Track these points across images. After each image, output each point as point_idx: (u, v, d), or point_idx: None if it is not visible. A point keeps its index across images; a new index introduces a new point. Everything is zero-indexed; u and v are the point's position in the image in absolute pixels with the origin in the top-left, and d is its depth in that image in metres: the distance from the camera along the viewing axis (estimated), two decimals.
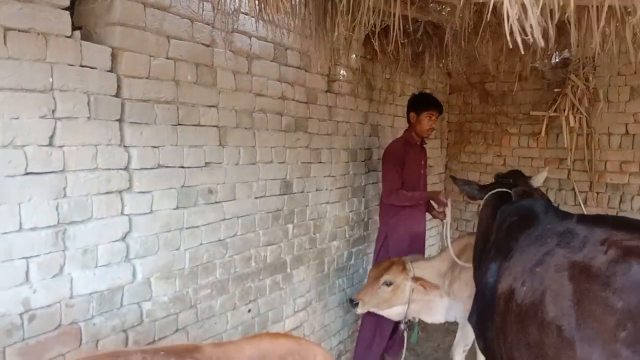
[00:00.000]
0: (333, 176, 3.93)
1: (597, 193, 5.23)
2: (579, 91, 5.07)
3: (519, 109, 5.74)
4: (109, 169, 2.27)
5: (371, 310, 3.65)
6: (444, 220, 3.95)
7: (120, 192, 2.32)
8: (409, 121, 4.11)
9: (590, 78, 5.07)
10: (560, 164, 5.45)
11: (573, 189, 5.36)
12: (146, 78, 2.40)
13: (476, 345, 3.68)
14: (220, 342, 1.73)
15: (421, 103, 4.02)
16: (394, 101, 4.81)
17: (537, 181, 2.91)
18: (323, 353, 1.93)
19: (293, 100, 3.37)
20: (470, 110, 6.14)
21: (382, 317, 3.92)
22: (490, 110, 5.96)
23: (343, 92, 3.96)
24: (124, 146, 2.33)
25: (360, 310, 3.60)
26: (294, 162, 3.44)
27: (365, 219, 4.48)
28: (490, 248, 2.39)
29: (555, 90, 5.27)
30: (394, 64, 4.30)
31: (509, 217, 2.33)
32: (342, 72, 3.88)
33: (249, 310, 3.13)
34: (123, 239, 2.35)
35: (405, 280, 3.58)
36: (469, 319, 2.49)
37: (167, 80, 2.50)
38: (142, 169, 2.40)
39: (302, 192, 3.55)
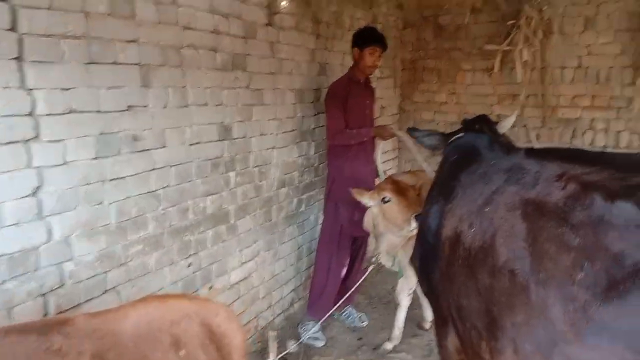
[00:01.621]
0: (279, 119, 3.67)
1: (550, 128, 5.16)
2: (533, 23, 4.90)
3: (473, 43, 5.54)
4: (10, 116, 1.97)
5: None
6: (401, 137, 3.76)
7: (26, 141, 2.04)
8: (353, 58, 3.88)
9: (545, 8, 4.90)
10: (513, 100, 5.34)
11: (525, 125, 5.28)
12: (48, 9, 2.06)
13: (399, 291, 3.63)
14: (97, 312, 1.48)
15: (364, 38, 3.79)
16: (343, 37, 4.52)
17: (504, 127, 2.72)
18: (225, 310, 1.74)
19: (228, 35, 3.06)
20: (424, 46, 5.90)
21: (334, 262, 3.80)
22: (444, 46, 5.75)
23: (286, 26, 3.65)
24: (27, 89, 2.02)
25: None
26: (233, 105, 3.16)
27: (316, 164, 4.28)
28: (430, 190, 2.23)
29: (509, 22, 5.08)
30: None
31: (450, 155, 2.16)
32: (283, 3, 3.55)
33: (189, 265, 2.93)
34: (34, 194, 2.08)
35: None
36: (411, 262, 2.35)
37: (74, 12, 2.16)
38: (50, 114, 2.10)
39: (243, 137, 3.29)
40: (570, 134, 5.05)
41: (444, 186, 2.08)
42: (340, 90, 3.72)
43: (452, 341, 2.05)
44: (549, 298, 1.49)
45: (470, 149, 2.08)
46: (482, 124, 2.75)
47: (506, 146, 2.01)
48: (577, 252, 1.50)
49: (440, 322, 2.13)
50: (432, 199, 2.15)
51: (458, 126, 2.70)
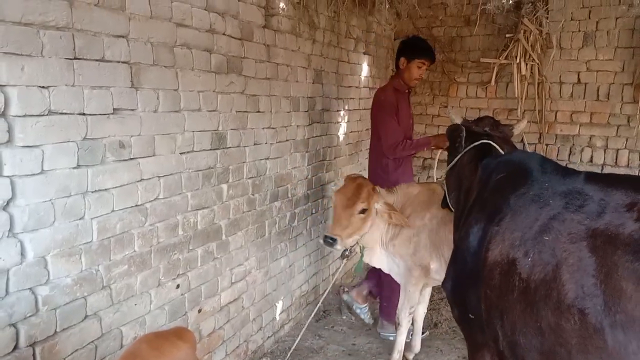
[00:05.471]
0: (273, 128, 3.43)
1: (547, 145, 5.03)
2: (531, 37, 4.78)
3: (468, 56, 5.42)
4: None
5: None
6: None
7: None
8: (397, 67, 3.80)
9: (544, 22, 4.78)
10: (509, 114, 5.20)
11: (521, 140, 5.13)
12: None
13: (400, 310, 3.36)
14: None
15: (415, 49, 3.71)
16: (338, 44, 4.32)
17: (518, 129, 2.63)
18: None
19: (224, 35, 2.81)
20: None
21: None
22: (438, 58, 5.57)
23: (283, 29, 3.42)
24: None
25: (340, 246, 3.19)
26: (227, 111, 2.91)
27: (309, 176, 4.04)
28: (471, 207, 2.02)
29: (507, 35, 4.97)
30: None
31: (496, 172, 1.96)
32: (281, 4, 3.33)
33: (178, 286, 2.65)
34: (4, 208, 1.80)
35: (376, 204, 3.25)
36: (443, 285, 2.13)
37: None
38: (26, 115, 1.83)
39: (237, 146, 3.04)
40: (567, 151, 4.93)
41: (487, 204, 1.88)
42: (391, 101, 3.63)
43: None
44: (630, 344, 1.28)
45: (520, 167, 1.89)
46: (492, 127, 2.59)
47: (560, 167, 1.84)
48: None
49: (475, 349, 1.93)
50: (471, 217, 1.93)
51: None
